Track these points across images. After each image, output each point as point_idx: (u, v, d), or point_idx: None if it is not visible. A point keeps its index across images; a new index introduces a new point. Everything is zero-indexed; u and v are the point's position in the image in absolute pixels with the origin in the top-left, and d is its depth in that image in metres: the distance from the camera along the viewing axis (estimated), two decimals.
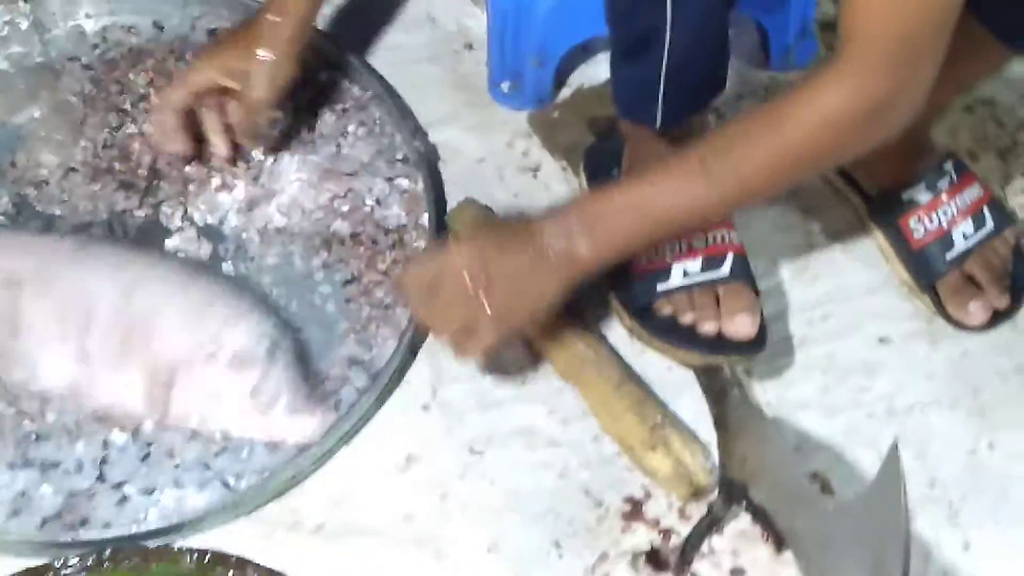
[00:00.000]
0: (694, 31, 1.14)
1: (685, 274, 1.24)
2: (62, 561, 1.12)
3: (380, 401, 1.27)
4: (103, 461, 1.21)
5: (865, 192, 1.38)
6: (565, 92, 1.53)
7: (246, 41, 1.33)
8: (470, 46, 1.57)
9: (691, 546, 1.19)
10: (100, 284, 1.26)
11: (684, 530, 1.20)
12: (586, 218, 1.12)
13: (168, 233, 1.37)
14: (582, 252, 1.12)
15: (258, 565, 1.13)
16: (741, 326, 1.22)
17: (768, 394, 1.29)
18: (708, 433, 1.24)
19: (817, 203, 1.42)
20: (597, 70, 1.53)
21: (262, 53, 1.31)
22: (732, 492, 1.19)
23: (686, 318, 1.24)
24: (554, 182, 1.44)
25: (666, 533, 1.20)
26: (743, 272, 1.25)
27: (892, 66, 0.98)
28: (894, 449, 1.01)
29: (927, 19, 0.97)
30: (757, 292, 1.26)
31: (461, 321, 1.16)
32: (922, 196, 1.33)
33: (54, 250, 1.30)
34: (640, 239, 1.14)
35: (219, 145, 1.38)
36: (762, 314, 1.24)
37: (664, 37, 1.15)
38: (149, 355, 1.23)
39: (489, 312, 1.14)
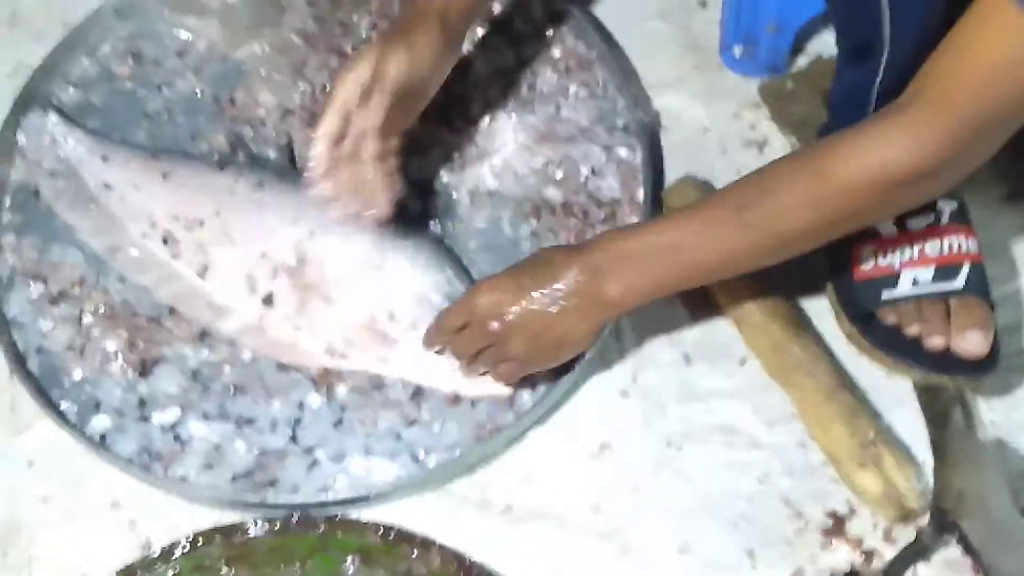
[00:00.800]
0: (914, 50, 1.02)
1: (915, 283, 1.16)
2: (252, 523, 1.12)
3: (577, 383, 1.22)
4: (297, 423, 1.21)
5: None
6: (801, 61, 1.43)
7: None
8: (704, 3, 1.49)
9: (894, 572, 1.12)
10: (281, 226, 1.25)
11: (888, 554, 1.13)
12: (614, 259, 1.09)
13: None
14: (610, 294, 1.09)
15: (442, 546, 1.12)
16: (972, 344, 1.13)
17: (994, 412, 1.20)
18: (924, 450, 1.16)
19: None
20: None
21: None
22: (944, 523, 1.11)
23: (912, 330, 1.16)
24: None
25: (868, 555, 1.14)
26: (979, 285, 1.16)
27: (964, 137, 0.92)
28: None
29: (1018, 105, 0.89)
30: (992, 307, 1.16)
31: (491, 362, 1.17)
32: None
33: (232, 191, 1.29)
34: (669, 283, 1.11)
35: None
36: (996, 331, 1.15)
37: (881, 54, 1.07)
38: (330, 305, 1.23)
39: (513, 357, 1.14)
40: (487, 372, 1.18)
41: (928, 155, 0.93)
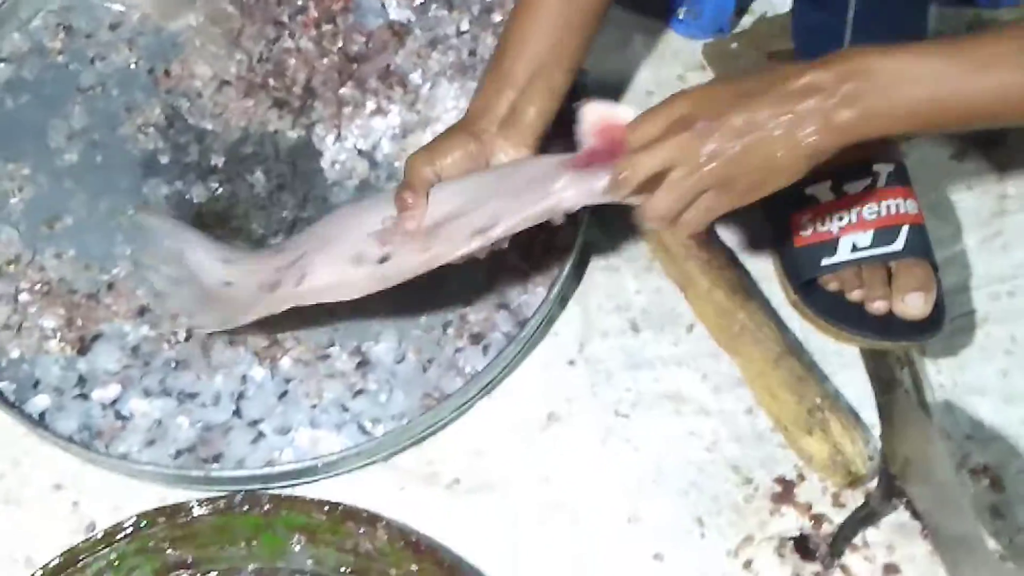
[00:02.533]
0: None
1: (854, 248, 1.14)
2: (195, 503, 1.11)
3: (525, 352, 1.21)
4: (240, 396, 1.20)
5: None
6: (746, 20, 1.42)
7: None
8: None
9: (843, 537, 1.12)
10: None
11: (837, 518, 1.13)
12: (863, 75, 0.93)
13: (320, 155, 1.32)
14: (845, 117, 0.93)
15: (389, 522, 1.10)
16: (914, 306, 1.12)
17: (942, 375, 1.20)
18: (872, 415, 1.16)
19: (1017, 164, 1.30)
20: None
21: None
22: (892, 487, 1.11)
23: (854, 295, 1.15)
24: None
25: (817, 520, 1.13)
26: (919, 246, 1.15)
27: None
28: None
29: None
30: (936, 268, 1.15)
31: (679, 189, 0.97)
32: None
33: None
34: (921, 118, 0.94)
35: None
36: (940, 293, 1.14)
37: None
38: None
39: (710, 178, 0.96)
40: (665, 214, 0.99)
41: None
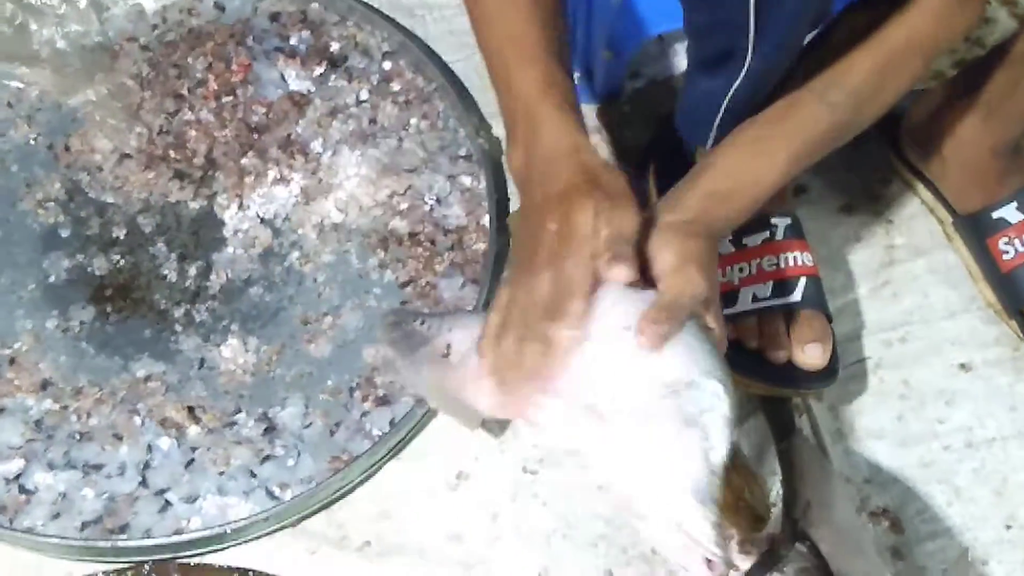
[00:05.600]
0: (776, 59, 1.05)
1: (754, 298, 1.17)
2: (102, 574, 1.10)
3: (432, 413, 1.22)
4: (146, 466, 1.19)
5: (953, 208, 1.30)
6: (638, 83, 1.45)
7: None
8: None
9: None
10: None
11: (744, 565, 1.15)
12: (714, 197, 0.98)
13: (222, 224, 1.33)
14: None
15: None
16: (812, 356, 1.15)
17: (839, 421, 1.23)
18: (772, 461, 1.18)
19: (901, 216, 1.35)
20: (675, 61, 1.46)
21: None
22: (795, 531, 1.13)
23: (753, 344, 1.17)
24: None
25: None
26: (816, 298, 1.18)
27: None
28: None
29: None
30: (830, 319, 1.19)
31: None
32: (1013, 216, 1.25)
33: None
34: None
35: None
36: (835, 343, 1.17)
37: (743, 61, 1.05)
38: None
39: None
40: None
41: None
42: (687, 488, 0.85)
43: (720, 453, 0.86)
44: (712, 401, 0.87)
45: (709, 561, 0.85)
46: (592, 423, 0.88)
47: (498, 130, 1.40)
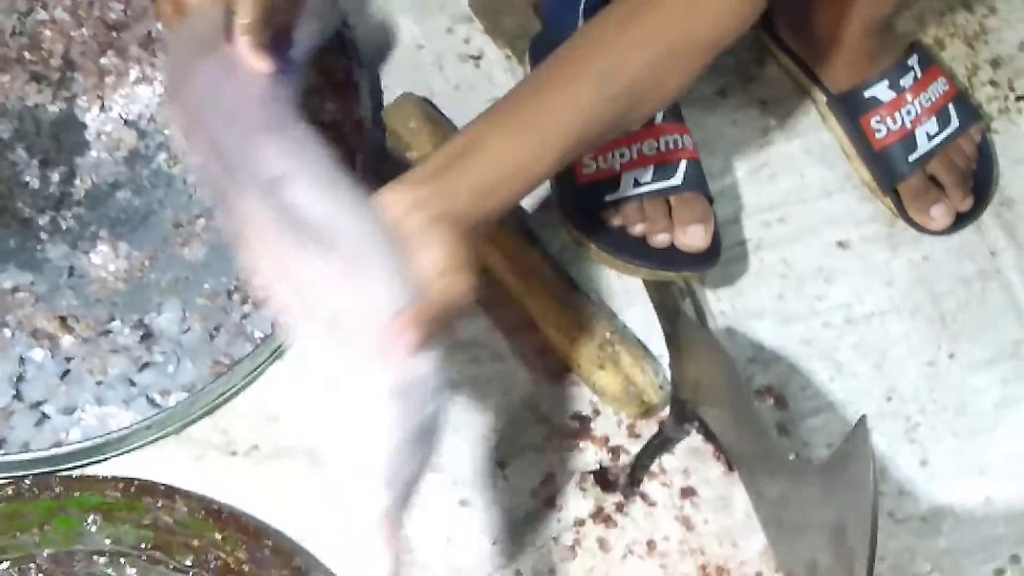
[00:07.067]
0: None
1: (636, 183, 1.17)
2: None
3: None
4: (20, 379, 1.15)
5: (826, 88, 1.31)
6: None
7: None
8: None
9: (641, 465, 1.15)
10: None
11: (634, 449, 1.16)
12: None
13: (84, 128, 1.28)
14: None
15: (188, 493, 1.08)
16: (694, 238, 1.15)
17: (722, 303, 1.24)
18: (660, 345, 1.19)
19: (776, 96, 1.34)
20: None
21: None
22: (684, 412, 1.15)
23: (636, 229, 1.17)
24: (497, 72, 1.34)
25: (615, 452, 1.16)
26: (696, 180, 1.18)
27: None
28: (863, 424, 0.93)
29: None
30: (711, 200, 1.19)
31: None
32: (885, 94, 1.26)
33: None
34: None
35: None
36: (716, 224, 1.18)
37: None
38: None
39: None
40: None
41: None
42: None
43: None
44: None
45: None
46: None
47: (357, 16, 1.35)
